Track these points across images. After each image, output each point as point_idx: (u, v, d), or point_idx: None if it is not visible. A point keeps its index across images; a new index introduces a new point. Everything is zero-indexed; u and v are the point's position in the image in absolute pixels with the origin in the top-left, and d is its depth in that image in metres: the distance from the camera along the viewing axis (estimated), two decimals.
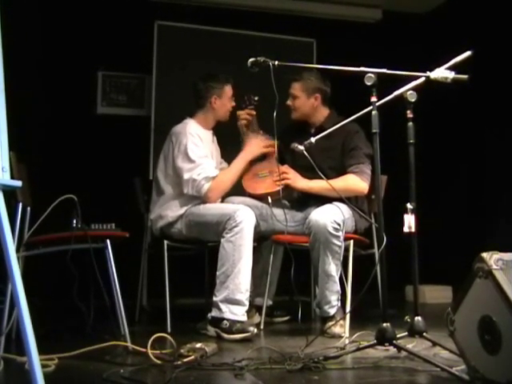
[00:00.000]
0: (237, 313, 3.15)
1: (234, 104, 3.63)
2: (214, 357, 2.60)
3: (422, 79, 2.71)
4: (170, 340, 2.75)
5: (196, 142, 3.44)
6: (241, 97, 3.63)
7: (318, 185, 3.35)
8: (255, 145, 3.54)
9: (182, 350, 2.53)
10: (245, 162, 3.51)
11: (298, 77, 3.54)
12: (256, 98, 3.58)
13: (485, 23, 4.67)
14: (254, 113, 3.58)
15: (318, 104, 3.57)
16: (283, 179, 3.40)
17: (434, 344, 2.67)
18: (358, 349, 2.57)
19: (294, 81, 3.55)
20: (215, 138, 3.71)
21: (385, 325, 2.48)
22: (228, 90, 3.58)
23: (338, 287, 3.28)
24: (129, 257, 3.71)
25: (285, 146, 3.47)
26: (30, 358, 1.67)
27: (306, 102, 3.55)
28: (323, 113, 3.60)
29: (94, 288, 2.89)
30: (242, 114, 3.60)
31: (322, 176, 3.13)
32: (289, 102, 3.55)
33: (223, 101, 3.58)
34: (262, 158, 3.54)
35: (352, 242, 3.34)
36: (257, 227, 3.35)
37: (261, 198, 3.50)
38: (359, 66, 2.66)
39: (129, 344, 2.78)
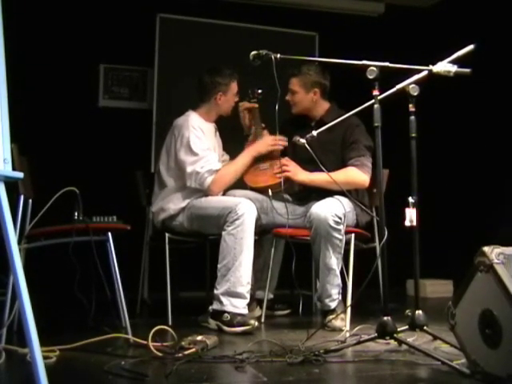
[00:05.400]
0: (238, 306, 3.16)
1: (237, 99, 3.62)
2: (215, 349, 2.61)
3: (425, 73, 2.70)
4: (170, 332, 2.75)
5: (198, 135, 3.43)
6: (244, 90, 3.62)
7: (318, 177, 3.34)
8: (263, 143, 3.50)
9: (182, 343, 2.54)
10: (249, 157, 3.48)
11: (296, 72, 3.51)
12: (260, 91, 3.56)
13: (488, 17, 4.66)
14: (256, 105, 3.57)
15: (318, 98, 3.55)
16: (283, 171, 3.39)
17: (435, 338, 2.68)
18: (359, 342, 2.57)
19: (292, 76, 3.53)
20: (217, 131, 3.70)
21: (385, 318, 2.48)
22: (234, 86, 3.57)
23: (338, 281, 3.28)
24: (130, 250, 3.72)
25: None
26: (31, 349, 1.67)
27: (305, 96, 3.54)
28: (323, 106, 3.59)
29: (95, 280, 2.88)
30: (243, 105, 3.59)
31: (323, 169, 3.13)
32: (288, 98, 3.54)
33: (228, 97, 3.56)
34: (267, 154, 3.51)
35: (353, 235, 3.34)
36: (258, 220, 3.34)
37: (261, 191, 3.50)
38: (361, 60, 2.66)
39: (130, 336, 2.79)
